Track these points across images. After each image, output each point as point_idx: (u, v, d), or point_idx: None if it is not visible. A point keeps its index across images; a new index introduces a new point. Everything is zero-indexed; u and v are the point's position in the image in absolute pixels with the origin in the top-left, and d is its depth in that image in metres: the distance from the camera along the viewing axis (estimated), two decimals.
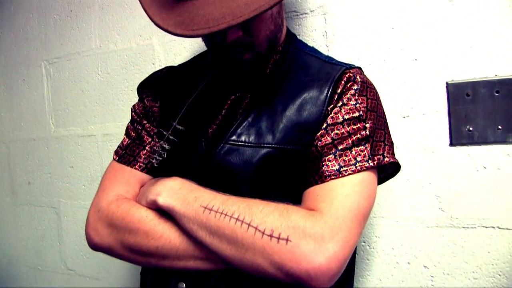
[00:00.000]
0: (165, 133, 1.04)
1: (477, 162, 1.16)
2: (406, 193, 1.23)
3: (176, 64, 1.24)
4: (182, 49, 1.53)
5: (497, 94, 1.13)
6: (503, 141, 1.13)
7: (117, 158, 1.11)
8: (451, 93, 1.17)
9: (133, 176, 1.08)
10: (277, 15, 0.98)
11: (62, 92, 1.86)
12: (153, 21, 0.86)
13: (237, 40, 0.90)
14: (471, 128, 1.15)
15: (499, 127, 1.13)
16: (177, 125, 1.03)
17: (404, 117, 1.22)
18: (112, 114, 1.71)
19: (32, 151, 1.99)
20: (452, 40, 1.16)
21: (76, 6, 1.79)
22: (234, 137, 0.95)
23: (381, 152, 0.91)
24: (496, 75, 1.13)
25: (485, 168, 1.15)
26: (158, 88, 1.14)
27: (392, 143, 0.97)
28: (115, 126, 1.70)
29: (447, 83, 1.17)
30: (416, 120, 1.21)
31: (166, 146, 1.03)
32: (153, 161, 1.02)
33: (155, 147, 1.04)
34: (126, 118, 1.17)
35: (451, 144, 1.18)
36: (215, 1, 0.82)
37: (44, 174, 1.96)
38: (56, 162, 1.91)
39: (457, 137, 1.17)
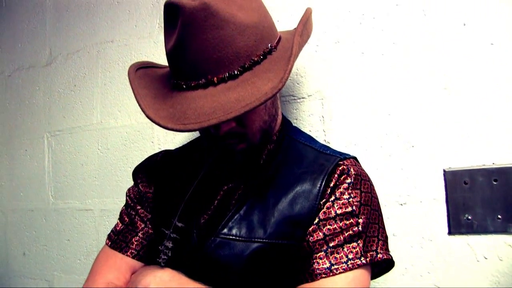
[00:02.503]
0: (167, 232, 1.02)
1: (477, 252, 1.13)
2: (404, 282, 1.19)
3: (175, 143, 1.25)
4: None
5: (495, 183, 1.11)
6: (504, 231, 1.11)
7: (109, 243, 1.11)
8: (449, 181, 1.16)
9: (124, 263, 1.07)
10: (271, 105, 0.98)
11: (62, 165, 1.86)
12: (145, 113, 0.87)
13: (230, 131, 0.91)
14: (469, 217, 1.13)
15: (499, 216, 1.11)
16: (177, 222, 1.02)
17: (401, 204, 1.20)
18: (110, 190, 1.71)
19: (29, 221, 1.97)
20: (449, 128, 1.17)
21: (80, 81, 1.83)
22: (225, 230, 0.94)
23: (374, 248, 0.89)
24: (493, 164, 1.12)
25: (486, 258, 1.12)
26: (153, 174, 1.14)
27: (386, 237, 0.95)
28: (113, 202, 1.69)
29: (444, 170, 1.16)
30: (414, 207, 1.19)
31: (170, 245, 1.01)
32: (160, 260, 1.00)
33: (160, 247, 1.02)
34: (124, 194, 1.17)
35: (450, 233, 1.16)
36: (207, 94, 0.83)
37: (40, 245, 1.93)
38: (53, 235, 1.88)
39: (456, 226, 1.15)
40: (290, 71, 0.82)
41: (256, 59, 0.86)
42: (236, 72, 0.84)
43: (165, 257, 1.00)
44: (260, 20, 0.89)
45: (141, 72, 1.02)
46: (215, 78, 0.84)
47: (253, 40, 0.86)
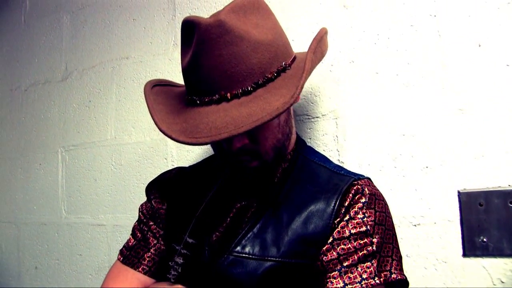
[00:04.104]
0: (177, 248, 1.03)
1: (493, 276, 1.11)
2: None
3: (188, 160, 1.25)
4: (195, 146, 1.54)
5: (511, 205, 1.10)
6: None
7: (121, 258, 1.11)
8: (463, 202, 1.15)
9: (136, 279, 1.07)
10: (284, 123, 0.99)
11: (75, 180, 1.88)
12: (158, 127, 0.87)
13: (243, 148, 0.91)
14: (485, 239, 1.12)
15: None
16: (188, 238, 1.02)
17: (415, 225, 1.19)
18: (123, 206, 1.71)
19: (42, 235, 1.98)
20: (464, 149, 1.16)
21: (94, 96, 1.85)
22: (238, 248, 0.94)
23: (388, 268, 0.88)
24: (509, 185, 1.11)
25: (502, 282, 1.10)
26: (166, 190, 1.14)
27: (400, 257, 0.94)
28: (125, 218, 1.69)
29: (459, 192, 1.15)
30: (428, 228, 1.18)
31: (180, 261, 1.01)
32: (170, 276, 1.00)
33: (170, 263, 1.02)
34: (136, 211, 1.17)
35: (464, 255, 1.14)
36: (220, 109, 0.84)
37: (52, 259, 1.93)
38: (65, 249, 1.89)
39: (471, 248, 1.13)
40: (302, 86, 0.83)
41: (269, 76, 0.87)
42: (249, 88, 0.85)
43: (175, 273, 1.00)
44: (275, 39, 0.90)
45: (157, 89, 1.03)
46: (229, 94, 0.85)
47: (267, 58, 0.87)
